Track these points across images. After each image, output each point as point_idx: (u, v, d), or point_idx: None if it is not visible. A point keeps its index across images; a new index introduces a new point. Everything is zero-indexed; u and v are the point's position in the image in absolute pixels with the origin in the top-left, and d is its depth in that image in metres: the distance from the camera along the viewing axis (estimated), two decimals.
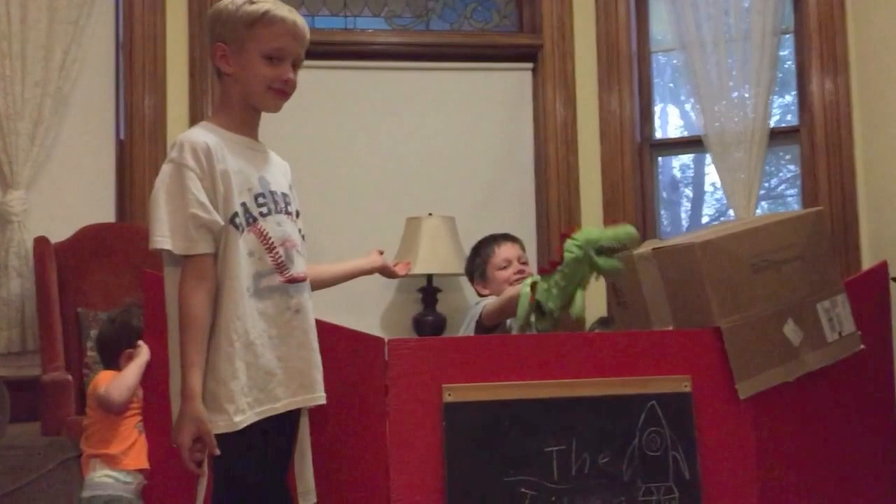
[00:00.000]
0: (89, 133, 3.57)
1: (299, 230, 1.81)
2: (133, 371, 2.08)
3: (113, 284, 3.28)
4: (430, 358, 2.02)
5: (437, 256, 3.46)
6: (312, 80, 3.68)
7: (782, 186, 4.15)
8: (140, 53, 3.61)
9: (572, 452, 2.01)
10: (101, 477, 2.15)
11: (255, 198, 1.70)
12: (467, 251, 3.55)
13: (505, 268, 2.81)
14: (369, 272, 2.17)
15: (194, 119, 3.61)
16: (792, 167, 3.99)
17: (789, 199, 4.03)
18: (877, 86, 3.33)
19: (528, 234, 3.85)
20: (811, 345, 2.14)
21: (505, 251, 2.85)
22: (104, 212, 3.53)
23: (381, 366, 2.02)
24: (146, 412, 2.02)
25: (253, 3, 1.70)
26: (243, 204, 1.67)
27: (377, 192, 3.76)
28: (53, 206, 3.43)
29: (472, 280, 2.98)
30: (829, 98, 3.49)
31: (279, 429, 1.72)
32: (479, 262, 2.94)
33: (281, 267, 1.70)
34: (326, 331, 1.99)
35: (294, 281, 1.72)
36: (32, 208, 3.38)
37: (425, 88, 3.85)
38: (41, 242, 3.27)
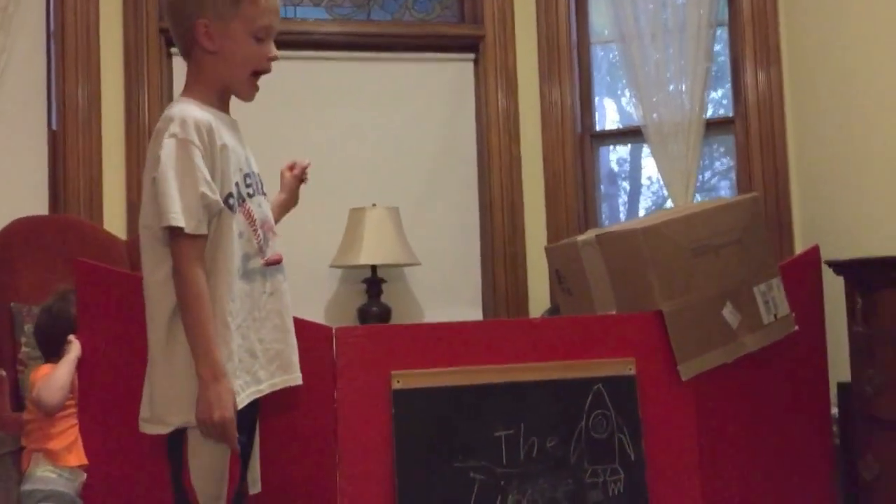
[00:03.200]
0: (20, 123, 3.46)
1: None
2: (63, 369, 2.04)
3: (46, 278, 3.18)
4: (378, 346, 2.03)
5: (382, 247, 3.46)
6: None
7: (715, 179, 4.25)
8: (73, 42, 3.51)
9: (521, 437, 2.04)
10: (44, 472, 2.10)
11: (245, 178, 1.67)
12: (411, 241, 3.56)
13: None
14: (287, 205, 1.98)
15: (130, 108, 3.53)
16: (725, 160, 4.09)
17: (722, 191, 4.13)
18: (807, 76, 3.43)
19: (472, 224, 3.87)
20: (749, 327, 2.21)
21: None
22: (37, 203, 3.43)
23: (328, 354, 2.01)
24: (81, 409, 1.96)
25: None
26: (237, 184, 1.63)
27: (320, 183, 3.66)
28: None
29: None
30: (762, 89, 3.59)
31: (247, 415, 1.68)
32: None
33: (262, 250, 1.68)
34: None
35: (270, 263, 1.69)
36: None
37: (367, 79, 3.83)
38: None
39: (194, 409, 1.53)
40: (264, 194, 1.74)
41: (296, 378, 1.74)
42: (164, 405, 1.56)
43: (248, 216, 1.65)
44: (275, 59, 1.70)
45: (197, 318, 1.52)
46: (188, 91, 1.69)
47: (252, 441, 1.75)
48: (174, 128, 1.55)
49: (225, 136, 1.62)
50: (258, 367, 1.65)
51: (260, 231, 1.67)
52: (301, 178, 1.98)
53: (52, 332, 2.22)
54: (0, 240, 3.21)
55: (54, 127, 3.53)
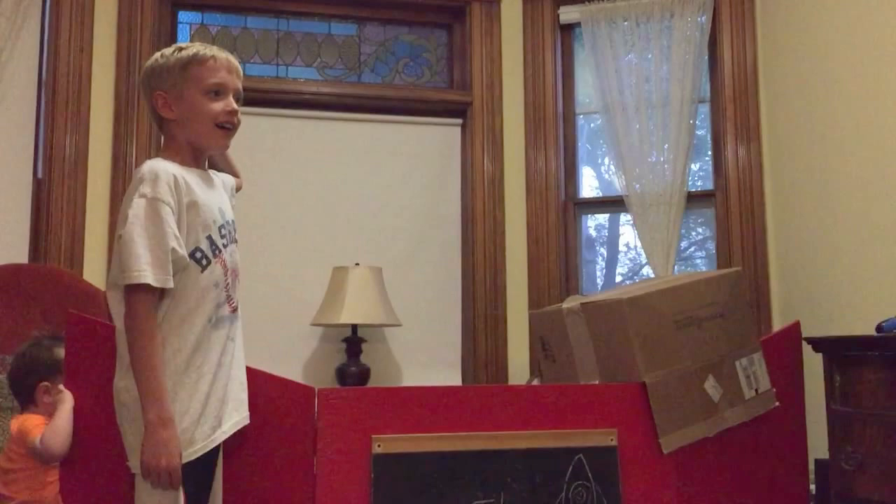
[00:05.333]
0: (5, 170, 3.46)
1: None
2: (66, 417, 2.00)
3: (24, 326, 3.14)
4: (361, 408, 2.01)
5: (363, 307, 3.45)
6: (242, 126, 3.67)
7: (692, 248, 4.30)
8: (63, 92, 3.53)
9: None
10: None
11: (219, 229, 1.73)
12: (393, 302, 3.56)
13: None
14: None
15: (117, 159, 3.54)
16: (701, 230, 4.15)
17: (698, 261, 4.18)
18: (786, 153, 3.51)
19: (454, 287, 3.89)
20: (730, 401, 2.22)
21: None
22: (17, 251, 3.40)
23: (309, 415, 1.99)
24: (63, 459, 1.93)
25: (181, 48, 1.75)
26: (209, 237, 1.69)
27: (304, 240, 3.74)
28: None
29: None
30: (742, 164, 3.67)
31: (209, 457, 1.71)
32: None
33: (230, 298, 1.74)
34: (255, 378, 1.97)
35: (235, 310, 1.76)
36: None
37: (355, 140, 3.87)
38: None
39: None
40: (235, 241, 1.80)
41: (246, 418, 1.79)
42: (130, 447, 1.62)
43: (224, 267, 1.72)
44: (234, 112, 1.76)
45: (148, 366, 1.57)
46: (163, 154, 1.77)
47: (212, 484, 1.77)
48: (144, 188, 1.61)
49: (196, 192, 1.69)
50: (224, 411, 1.70)
51: (229, 279, 1.74)
52: None
53: (25, 379, 2.20)
54: None
55: (39, 175, 3.52)
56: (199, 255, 1.67)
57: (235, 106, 1.77)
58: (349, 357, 3.54)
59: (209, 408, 1.66)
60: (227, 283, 1.73)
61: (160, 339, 1.59)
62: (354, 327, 3.52)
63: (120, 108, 3.58)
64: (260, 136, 3.74)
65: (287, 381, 2.01)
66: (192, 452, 1.62)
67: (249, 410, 1.85)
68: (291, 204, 3.76)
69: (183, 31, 3.86)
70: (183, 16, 3.86)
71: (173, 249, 1.59)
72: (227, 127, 1.76)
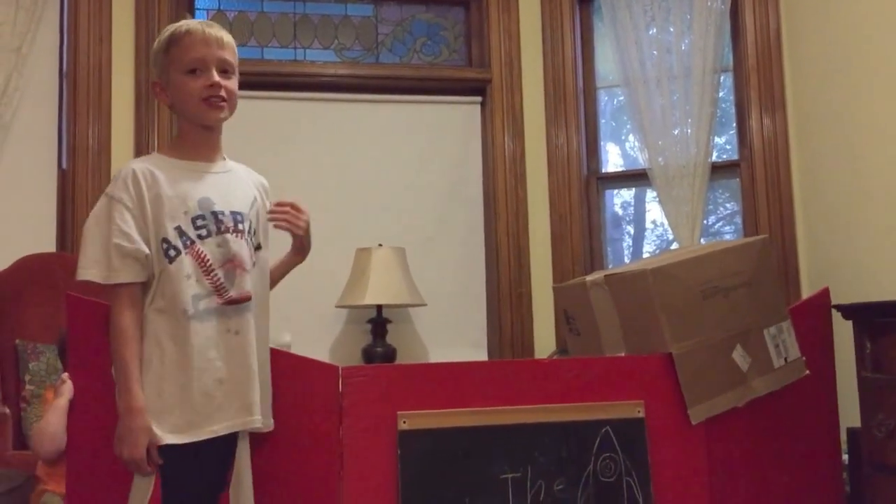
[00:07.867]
0: (31, 162, 3.49)
1: (257, 246, 1.82)
2: (54, 418, 1.98)
3: (53, 315, 3.18)
4: (385, 385, 2.01)
5: (387, 287, 3.45)
6: (262, 110, 3.68)
7: (720, 223, 4.25)
8: (84, 83, 3.56)
9: (528, 480, 2.01)
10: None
11: (193, 220, 1.70)
12: (417, 282, 3.56)
13: None
14: (297, 259, 2.10)
15: (139, 149, 3.56)
16: (729, 205, 4.09)
17: (727, 236, 4.13)
18: (812, 121, 3.45)
19: (478, 265, 3.88)
20: (759, 370, 2.19)
21: None
22: (45, 242, 3.44)
23: (334, 393, 1.99)
24: (70, 448, 1.90)
25: (166, 31, 1.77)
26: (177, 228, 1.69)
27: (327, 222, 3.71)
28: None
29: None
30: (767, 134, 3.61)
31: (214, 451, 1.69)
32: None
33: (220, 289, 1.70)
34: (279, 358, 1.97)
35: (233, 302, 1.71)
36: None
37: (375, 120, 3.87)
38: None
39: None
40: (238, 232, 1.75)
41: (254, 421, 1.72)
42: None
43: (198, 258, 1.69)
44: (216, 85, 1.72)
45: (118, 357, 1.63)
46: (166, 146, 1.78)
47: (223, 479, 1.75)
48: (109, 187, 1.69)
49: (163, 184, 1.69)
50: (214, 408, 1.66)
51: (219, 271, 1.70)
52: (292, 228, 1.99)
53: None
54: (7, 277, 3.22)
55: (64, 166, 3.56)
56: (165, 246, 1.67)
57: (216, 78, 1.72)
58: (375, 338, 3.55)
59: (189, 401, 1.64)
60: (215, 276, 1.69)
61: (131, 331, 1.63)
62: (379, 308, 3.53)
63: (140, 97, 3.60)
64: (280, 119, 3.74)
65: (310, 360, 2.02)
66: (166, 436, 1.61)
67: (274, 390, 1.83)
68: (313, 187, 3.76)
69: (200, 17, 3.86)
70: (200, 2, 3.87)
71: (117, 245, 1.62)
72: (213, 100, 1.73)
